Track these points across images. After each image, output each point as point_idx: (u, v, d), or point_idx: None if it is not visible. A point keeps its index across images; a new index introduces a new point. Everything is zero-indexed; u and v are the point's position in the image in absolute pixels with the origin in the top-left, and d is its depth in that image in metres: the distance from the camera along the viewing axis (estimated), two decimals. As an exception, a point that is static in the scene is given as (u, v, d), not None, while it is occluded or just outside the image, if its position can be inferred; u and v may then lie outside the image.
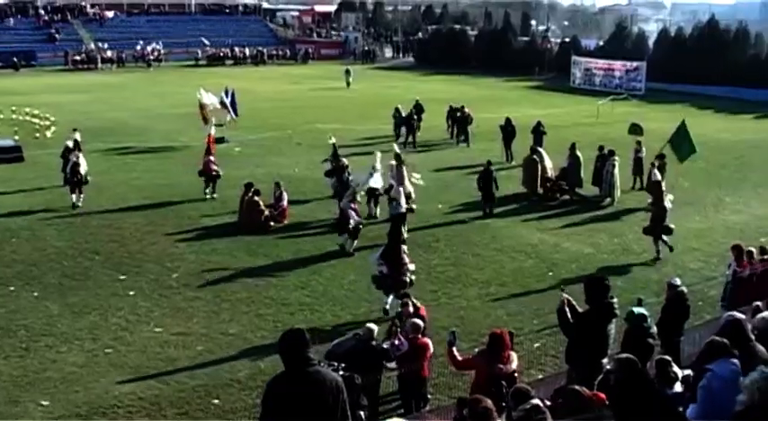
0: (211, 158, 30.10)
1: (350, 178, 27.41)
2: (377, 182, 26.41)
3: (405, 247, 19.50)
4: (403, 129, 41.10)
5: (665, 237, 23.47)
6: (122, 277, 21.50)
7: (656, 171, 25.60)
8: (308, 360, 7.86)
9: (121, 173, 32.77)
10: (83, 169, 29.07)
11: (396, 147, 29.09)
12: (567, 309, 12.00)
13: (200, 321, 18.71)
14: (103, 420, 14.53)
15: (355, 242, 23.94)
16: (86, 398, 15.23)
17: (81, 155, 29.82)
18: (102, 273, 21.91)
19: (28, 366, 16.54)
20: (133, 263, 22.66)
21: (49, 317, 18.90)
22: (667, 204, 23.52)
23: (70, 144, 31.48)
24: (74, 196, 28.78)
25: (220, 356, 16.95)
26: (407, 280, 19.00)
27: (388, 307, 18.71)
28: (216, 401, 15.10)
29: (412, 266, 19.42)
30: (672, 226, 23.63)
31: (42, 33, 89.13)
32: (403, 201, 22.91)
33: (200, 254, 23.45)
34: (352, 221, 23.89)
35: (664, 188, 24.02)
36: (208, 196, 29.68)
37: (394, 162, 26.51)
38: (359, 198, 25.60)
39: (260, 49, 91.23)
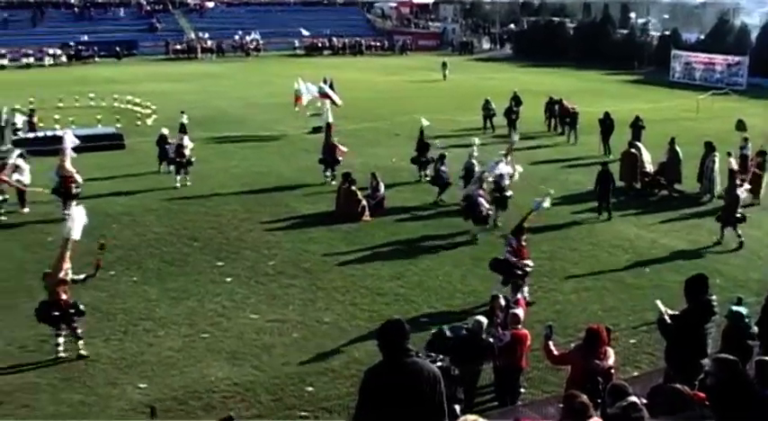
0: (338, 145, 30.89)
1: (442, 169, 27.91)
2: (504, 169, 26.05)
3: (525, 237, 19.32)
4: (490, 122, 41.35)
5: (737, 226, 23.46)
6: (220, 263, 21.83)
7: (731, 160, 25.39)
8: (406, 351, 7.86)
9: (220, 161, 33.23)
10: (188, 151, 29.86)
11: (476, 141, 28.96)
12: (666, 317, 11.85)
13: (296, 309, 18.89)
14: (199, 404, 14.75)
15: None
16: (183, 382, 15.51)
17: (186, 137, 30.72)
18: (200, 259, 22.30)
19: (127, 349, 16.93)
20: (231, 249, 23.00)
21: (147, 302, 19.31)
22: (741, 194, 23.57)
23: (165, 131, 32.40)
24: (178, 178, 29.67)
25: (315, 344, 17.08)
26: (524, 270, 18.87)
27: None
28: (310, 389, 15.22)
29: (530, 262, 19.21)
30: (746, 215, 23.59)
31: (144, 23, 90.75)
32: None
33: (296, 242, 23.68)
34: (482, 208, 23.94)
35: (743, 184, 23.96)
36: (328, 179, 30.28)
37: (505, 152, 26.54)
38: (485, 186, 25.38)
39: (357, 39, 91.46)
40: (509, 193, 25.46)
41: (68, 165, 26.43)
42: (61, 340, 16.61)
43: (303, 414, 14.42)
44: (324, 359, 16.38)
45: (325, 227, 25.16)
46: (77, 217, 17.30)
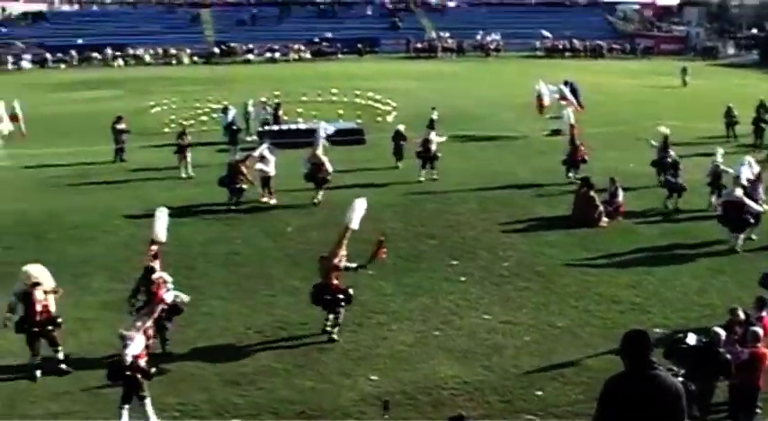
0: (582, 146, 30.85)
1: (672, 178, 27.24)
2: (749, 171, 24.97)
3: None
4: (732, 130, 39.81)
5: None
6: (455, 262, 21.98)
7: None
8: (650, 363, 7.65)
9: (459, 159, 33.43)
10: (434, 146, 30.68)
11: (719, 150, 27.78)
12: None
13: (529, 312, 18.78)
14: (428, 400, 14.90)
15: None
16: (413, 377, 15.72)
17: (434, 132, 31.50)
18: (435, 256, 22.54)
19: (360, 341, 17.33)
20: (466, 249, 23.12)
21: (382, 296, 19.68)
22: None
23: (401, 128, 33.07)
24: (423, 172, 30.46)
25: (546, 348, 16.95)
26: None
27: None
28: (539, 393, 15.12)
29: None
30: None
31: (386, 22, 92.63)
32: None
33: (532, 244, 23.54)
34: (749, 213, 23.14)
35: None
36: (571, 178, 30.18)
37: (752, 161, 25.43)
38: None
39: (598, 42, 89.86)
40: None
41: (320, 152, 27.73)
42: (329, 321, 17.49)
43: (531, 417, 14.32)
44: (555, 364, 16.21)
45: (561, 230, 24.89)
46: (358, 207, 18.01)
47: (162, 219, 17.82)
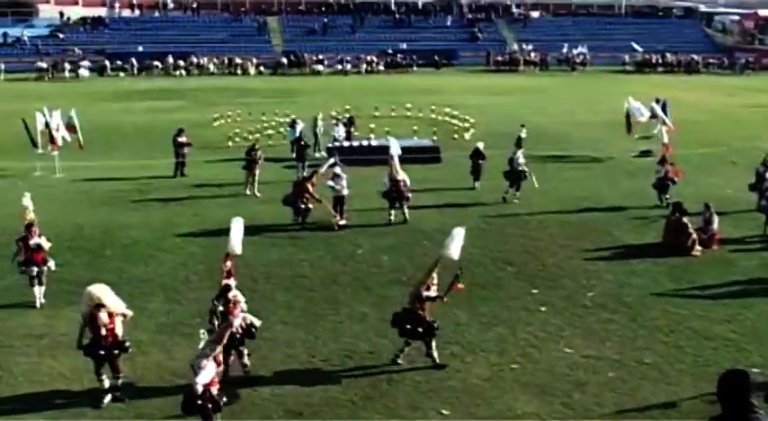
0: (674, 167, 30.65)
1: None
2: None
3: None
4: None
5: None
6: (534, 291, 21.90)
7: None
8: (750, 406, 7.53)
9: (540, 181, 33.27)
10: (521, 165, 31.07)
11: None
12: None
13: (614, 346, 18.61)
14: (504, 437, 14.89)
15: None
16: (487, 413, 15.68)
17: (520, 151, 31.56)
18: (513, 284, 22.48)
19: (432, 373, 17.32)
20: (547, 276, 23.02)
21: (456, 325, 19.61)
22: None
23: (480, 146, 33.04)
24: (510, 190, 30.87)
25: (632, 386, 16.75)
26: None
27: None
28: (623, 434, 14.98)
29: None
30: None
31: (465, 32, 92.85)
32: None
33: (618, 274, 23.33)
34: None
35: None
36: (665, 201, 29.92)
37: None
38: None
39: (693, 56, 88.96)
40: None
41: (399, 168, 28.09)
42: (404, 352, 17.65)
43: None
44: (642, 403, 16.04)
45: (650, 259, 24.62)
46: (457, 236, 18.11)
47: (238, 229, 17.81)
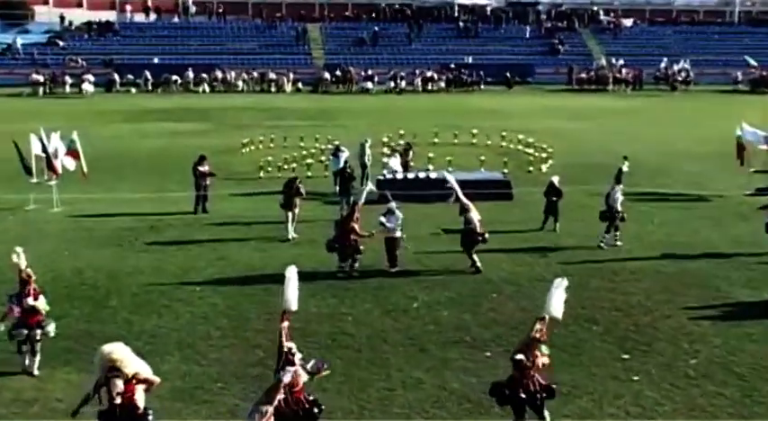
0: None
1: None
2: None
3: None
4: None
5: None
6: (625, 356, 21.68)
7: None
8: None
9: (632, 223, 32.90)
10: (618, 205, 31.08)
11: None
12: None
13: (729, 425, 18.42)
14: None
15: None
16: None
17: (619, 187, 31.51)
18: (599, 347, 22.27)
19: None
20: (640, 339, 22.76)
21: (524, 396, 19.49)
22: None
23: (555, 180, 33.14)
24: (607, 236, 30.94)
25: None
26: None
27: None
28: None
29: None
30: None
31: (543, 44, 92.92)
32: None
33: (728, 337, 22.97)
34: None
35: None
36: None
37: None
38: None
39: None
40: None
41: (471, 208, 28.25)
42: None
43: None
44: None
45: (767, 320, 24.40)
46: (558, 290, 17.98)
47: (293, 281, 17.47)
